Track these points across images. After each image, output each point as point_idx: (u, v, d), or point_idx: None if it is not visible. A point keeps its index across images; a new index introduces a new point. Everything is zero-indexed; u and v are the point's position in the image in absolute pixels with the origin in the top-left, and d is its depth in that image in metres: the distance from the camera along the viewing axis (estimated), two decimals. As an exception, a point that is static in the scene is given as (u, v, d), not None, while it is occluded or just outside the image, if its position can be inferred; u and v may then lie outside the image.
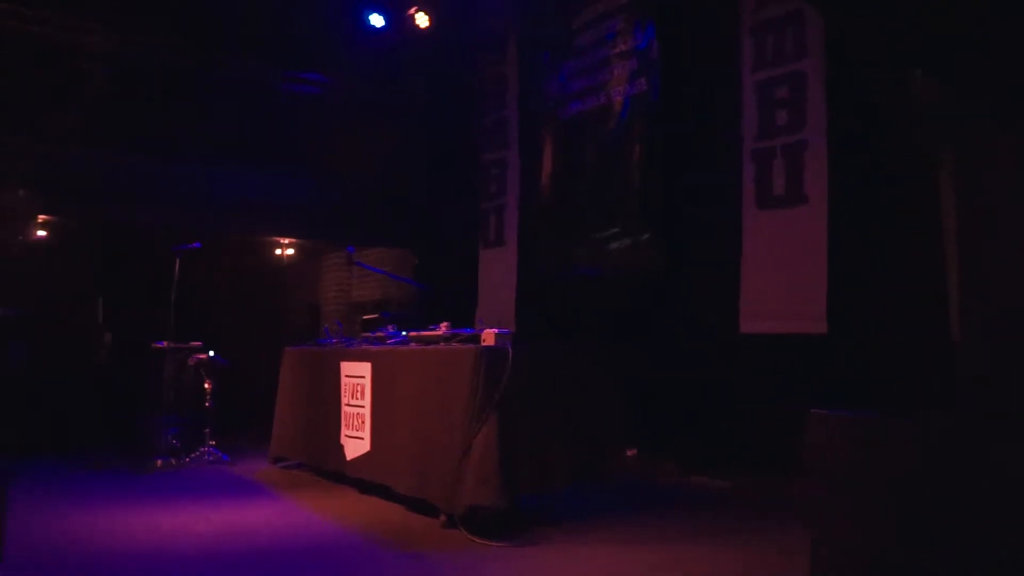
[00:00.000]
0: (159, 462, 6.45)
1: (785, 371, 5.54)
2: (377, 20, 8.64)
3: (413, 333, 5.18)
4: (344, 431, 5.50)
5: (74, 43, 6.91)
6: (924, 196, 4.71)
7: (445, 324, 4.96)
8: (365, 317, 6.83)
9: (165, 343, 6.76)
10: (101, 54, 7.12)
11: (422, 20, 8.42)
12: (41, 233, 8.02)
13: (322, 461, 5.86)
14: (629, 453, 5.93)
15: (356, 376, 5.39)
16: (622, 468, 5.17)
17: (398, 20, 8.65)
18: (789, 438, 5.37)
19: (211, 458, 6.67)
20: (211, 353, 6.94)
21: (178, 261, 6.83)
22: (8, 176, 6.80)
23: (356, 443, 5.33)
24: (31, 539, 3.97)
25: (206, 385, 6.84)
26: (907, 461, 2.39)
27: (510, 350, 4.16)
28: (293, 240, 10.60)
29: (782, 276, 5.53)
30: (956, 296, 4.31)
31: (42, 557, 3.71)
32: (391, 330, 5.66)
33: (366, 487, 5.29)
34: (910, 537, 2.34)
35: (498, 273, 8.28)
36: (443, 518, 4.33)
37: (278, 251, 10.78)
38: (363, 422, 5.25)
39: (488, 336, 4.28)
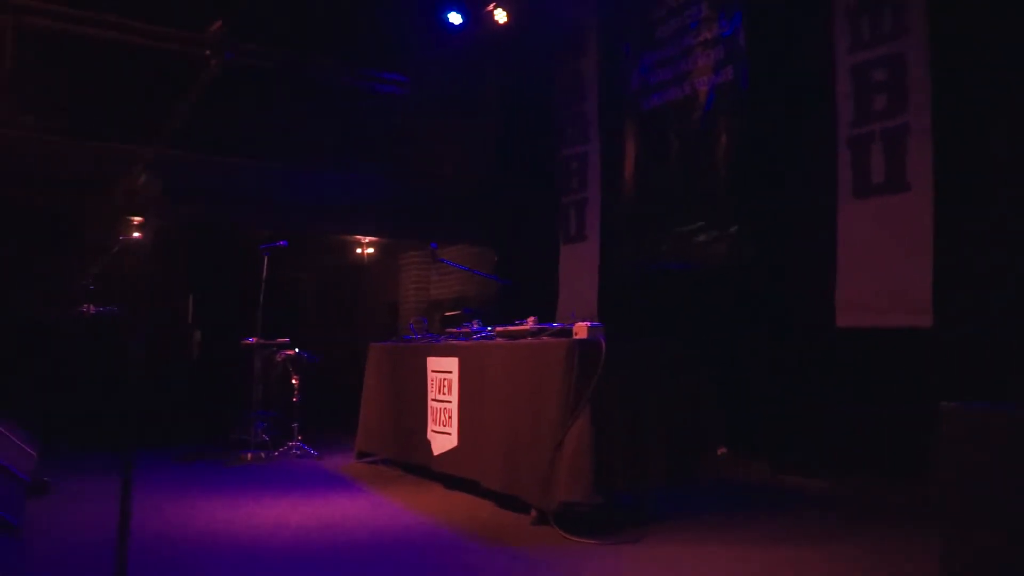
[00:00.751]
0: (249, 455, 6.58)
1: (885, 366, 5.30)
2: (455, 18, 8.67)
3: (500, 328, 5.13)
4: (431, 426, 5.50)
5: (170, 49, 7.13)
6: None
7: (532, 319, 4.89)
8: (447, 314, 6.83)
9: (254, 339, 6.89)
10: (194, 59, 7.31)
11: (500, 16, 8.41)
12: (136, 234, 8.32)
13: (408, 456, 5.87)
14: (719, 452, 5.76)
15: (443, 371, 5.38)
16: (715, 468, 5.00)
17: (476, 17, 8.66)
18: (889, 437, 5.19)
19: (299, 452, 6.78)
20: (298, 349, 7.07)
21: (266, 259, 6.96)
22: (106, 178, 7.09)
23: (443, 438, 5.32)
24: (133, 534, 4.07)
25: (293, 380, 6.96)
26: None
27: (603, 342, 4.07)
28: (373, 239, 10.74)
29: (882, 267, 5.29)
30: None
31: (143, 546, 3.79)
32: (476, 326, 5.63)
33: (452, 483, 5.28)
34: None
35: (579, 268, 8.18)
36: (533, 514, 4.26)
37: (358, 250, 10.94)
38: (450, 417, 5.24)
39: (580, 329, 4.20)
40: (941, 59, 5.00)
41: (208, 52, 1.94)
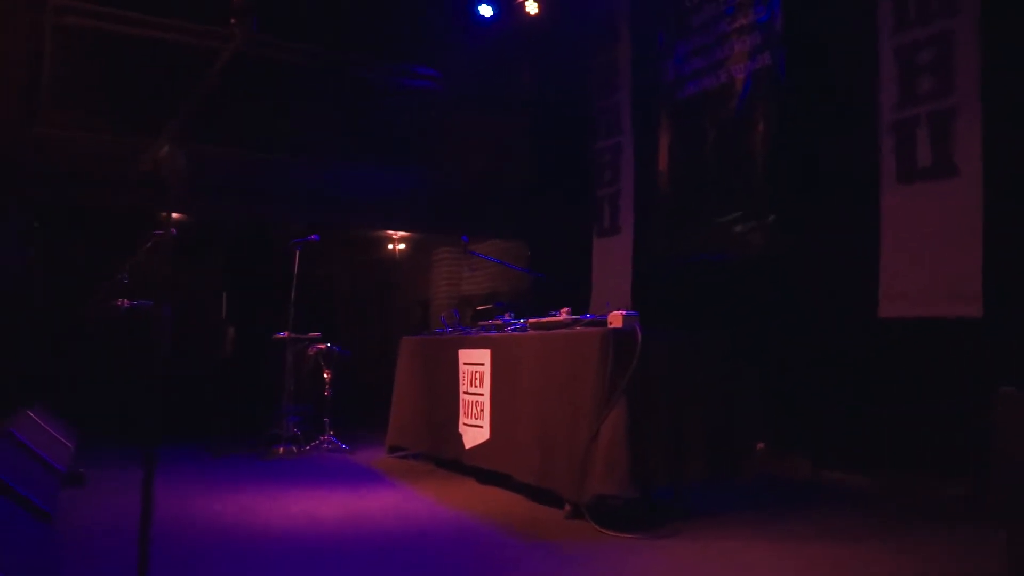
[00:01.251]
0: (280, 449, 6.56)
1: (931, 358, 5.10)
2: (486, 11, 8.60)
3: (533, 320, 5.03)
4: (462, 419, 5.43)
5: (198, 45, 7.15)
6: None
7: (566, 310, 4.79)
8: (478, 308, 6.76)
9: (286, 333, 6.88)
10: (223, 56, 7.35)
11: (532, 7, 8.32)
12: (172, 230, 8.36)
13: (439, 450, 5.81)
14: (758, 447, 5.61)
15: (475, 364, 5.30)
16: (754, 464, 4.86)
17: (507, 10, 8.58)
18: (934, 432, 5.00)
19: (330, 446, 6.75)
20: (329, 344, 7.04)
21: (297, 254, 6.95)
22: (126, 177, 7.14)
23: (475, 432, 5.24)
24: (164, 520, 4.05)
25: (325, 375, 6.94)
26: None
27: (639, 331, 3.96)
28: (404, 236, 10.71)
29: (928, 255, 5.10)
30: None
31: (177, 538, 3.76)
32: (508, 318, 5.55)
33: (485, 477, 5.20)
34: None
35: (613, 261, 8.07)
36: (567, 508, 4.17)
37: (390, 246, 10.92)
38: (482, 410, 5.16)
39: (615, 318, 4.09)
40: (992, 37, 4.80)
41: (233, 22, 1.87)
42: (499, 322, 5.55)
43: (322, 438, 6.80)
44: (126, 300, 5.99)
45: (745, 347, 5.31)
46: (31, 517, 3.10)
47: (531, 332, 4.91)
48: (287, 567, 3.31)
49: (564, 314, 4.74)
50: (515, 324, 5.32)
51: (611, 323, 4.10)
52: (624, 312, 4.09)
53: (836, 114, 5.94)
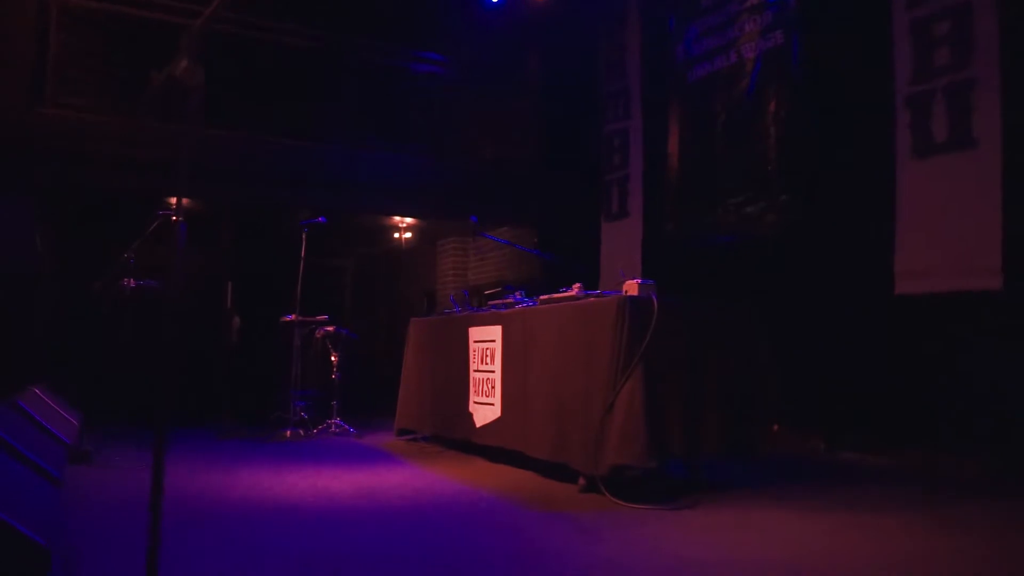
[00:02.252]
0: (288, 433, 6.51)
1: (950, 333, 5.03)
2: (494, -4, 8.56)
3: (544, 297, 4.95)
4: (472, 398, 5.36)
5: (207, 29, 7.10)
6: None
7: (578, 285, 4.71)
8: (487, 292, 6.68)
9: (293, 316, 6.82)
10: (228, 38, 7.33)
11: (539, -9, 8.26)
12: (175, 218, 8.30)
13: (449, 431, 5.74)
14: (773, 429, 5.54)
15: (486, 341, 5.23)
16: (769, 440, 4.78)
17: (515, -6, 8.53)
18: (952, 410, 4.93)
19: (337, 430, 6.70)
20: (336, 326, 6.98)
21: (304, 237, 6.89)
22: (141, 159, 7.09)
23: (486, 410, 5.17)
24: (171, 493, 3.99)
25: (332, 358, 6.88)
26: None
27: (655, 299, 3.89)
28: (411, 224, 10.64)
29: (945, 228, 5.04)
30: None
31: (186, 509, 3.70)
32: (519, 296, 5.47)
33: (496, 456, 5.14)
34: None
35: (622, 246, 8.00)
36: (582, 482, 4.10)
37: (396, 235, 10.85)
38: (493, 387, 5.09)
39: (631, 286, 4.01)
40: (1011, 6, 4.73)
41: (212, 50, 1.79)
42: (510, 300, 5.47)
43: (329, 421, 6.75)
44: (132, 280, 5.93)
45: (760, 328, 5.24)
46: (44, 480, 3.05)
47: (543, 306, 4.84)
48: (301, 534, 3.24)
49: (576, 289, 4.67)
50: (526, 301, 5.25)
51: (627, 291, 4.03)
52: (640, 280, 4.02)
53: (848, 90, 5.88)
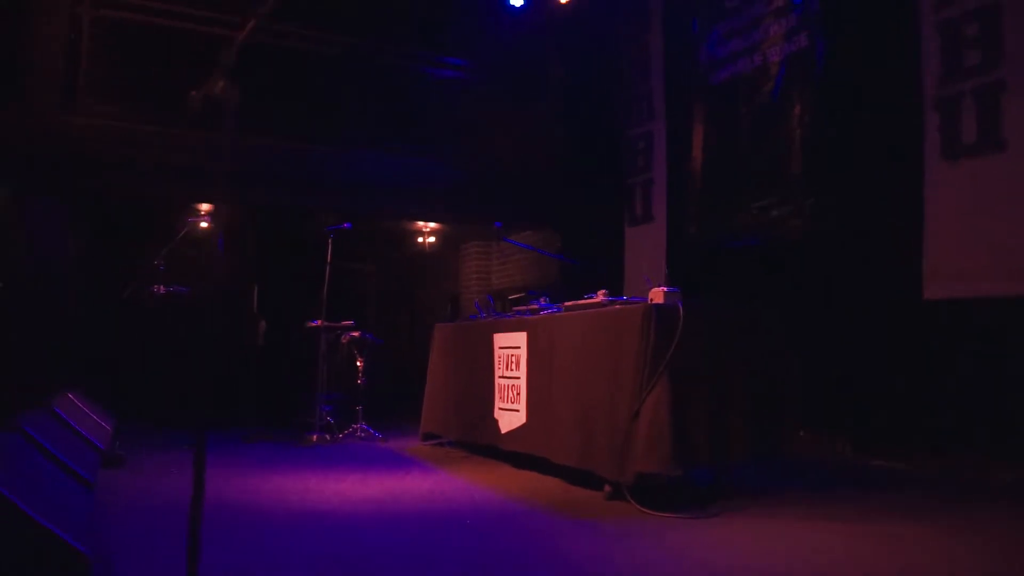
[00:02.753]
0: (314, 437, 6.56)
1: (980, 339, 4.98)
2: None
3: (568, 303, 4.97)
4: (498, 404, 5.38)
5: (222, 35, 7.18)
6: None
7: (603, 292, 4.72)
8: (511, 297, 6.72)
9: (319, 321, 6.88)
10: (253, 46, 7.39)
11: (562, -6, 8.26)
12: (203, 225, 8.43)
13: (474, 436, 5.76)
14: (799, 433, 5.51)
15: (511, 347, 5.25)
16: (795, 446, 4.76)
17: (538, -2, 8.54)
18: (982, 416, 4.87)
19: (363, 434, 6.75)
20: (362, 332, 7.04)
21: (330, 242, 6.94)
22: (172, 166, 7.21)
23: (511, 416, 5.19)
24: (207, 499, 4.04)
25: (358, 363, 6.93)
26: None
27: (681, 307, 3.89)
28: (434, 229, 10.70)
29: (975, 232, 4.98)
30: None
31: (216, 514, 3.75)
32: (544, 302, 5.49)
33: (521, 462, 5.15)
34: None
35: (646, 250, 7.98)
36: (607, 489, 4.10)
37: (419, 239, 10.92)
38: (518, 394, 5.11)
39: (657, 294, 4.02)
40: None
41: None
42: (535, 306, 5.49)
43: (355, 426, 6.80)
44: (162, 287, 6.03)
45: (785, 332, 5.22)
46: (77, 484, 3.11)
47: (568, 313, 4.85)
48: (333, 539, 3.28)
49: (601, 296, 4.68)
50: (551, 308, 5.27)
51: (653, 298, 4.03)
52: (665, 288, 4.02)
53: (874, 94, 5.83)
